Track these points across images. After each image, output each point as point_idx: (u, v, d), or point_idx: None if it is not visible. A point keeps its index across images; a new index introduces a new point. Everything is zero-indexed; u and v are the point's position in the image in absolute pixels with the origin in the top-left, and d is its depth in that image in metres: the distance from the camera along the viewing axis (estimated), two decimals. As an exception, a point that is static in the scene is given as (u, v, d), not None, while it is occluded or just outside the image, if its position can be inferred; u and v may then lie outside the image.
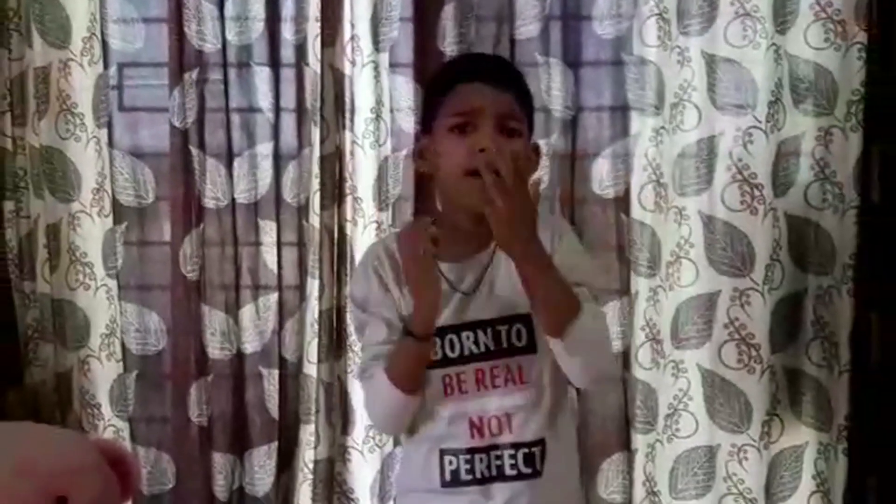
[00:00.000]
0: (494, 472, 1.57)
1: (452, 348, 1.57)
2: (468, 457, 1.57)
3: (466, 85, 1.57)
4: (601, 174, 2.35)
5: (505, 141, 1.51)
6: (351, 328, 2.29)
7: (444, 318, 1.56)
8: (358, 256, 2.34)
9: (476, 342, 1.56)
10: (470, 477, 1.57)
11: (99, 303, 2.50)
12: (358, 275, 1.73)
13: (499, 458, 1.57)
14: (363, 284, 1.65)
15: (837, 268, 2.26)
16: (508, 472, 1.57)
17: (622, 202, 2.35)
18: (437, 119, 1.58)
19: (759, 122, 2.25)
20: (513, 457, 1.57)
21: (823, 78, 2.23)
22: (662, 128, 2.31)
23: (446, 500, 1.59)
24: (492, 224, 1.44)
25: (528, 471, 1.57)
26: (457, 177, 1.53)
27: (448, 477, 1.58)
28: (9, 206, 2.44)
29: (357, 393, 2.32)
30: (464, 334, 1.57)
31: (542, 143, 2.24)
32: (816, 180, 2.27)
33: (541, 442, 1.57)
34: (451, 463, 1.58)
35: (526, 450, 1.57)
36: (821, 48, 2.23)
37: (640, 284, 2.36)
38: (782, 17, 2.23)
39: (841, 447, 2.26)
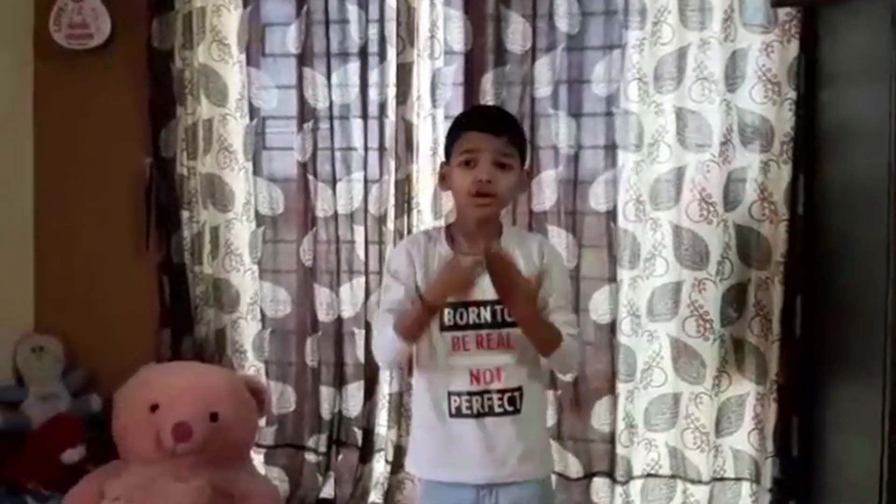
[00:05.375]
0: (487, 409, 1.71)
1: (461, 318, 1.72)
2: (468, 397, 1.71)
3: (472, 132, 1.71)
4: (596, 194, 2.55)
5: (500, 173, 1.69)
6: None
7: (458, 296, 1.70)
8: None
9: (478, 315, 1.71)
10: (469, 412, 1.72)
11: (246, 281, 2.81)
12: (397, 250, 1.85)
13: (489, 399, 1.71)
14: (398, 258, 1.79)
15: (772, 264, 2.45)
16: (497, 409, 1.71)
17: (612, 215, 2.54)
18: (453, 156, 1.74)
19: (715, 157, 2.48)
20: (500, 398, 1.71)
21: (764, 125, 2.44)
22: (642, 161, 2.53)
23: (452, 426, 1.73)
24: (497, 289, 1.65)
25: (511, 409, 1.72)
26: (466, 198, 1.71)
27: (454, 411, 1.72)
28: (185, 214, 2.76)
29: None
30: (470, 309, 1.72)
31: (552, 171, 2.54)
32: (758, 199, 2.46)
33: (520, 388, 1.73)
34: (455, 401, 1.72)
35: (510, 394, 1.72)
36: (762, 103, 2.44)
37: (623, 275, 2.55)
38: (732, 79, 2.46)
39: (773, 396, 2.47)
